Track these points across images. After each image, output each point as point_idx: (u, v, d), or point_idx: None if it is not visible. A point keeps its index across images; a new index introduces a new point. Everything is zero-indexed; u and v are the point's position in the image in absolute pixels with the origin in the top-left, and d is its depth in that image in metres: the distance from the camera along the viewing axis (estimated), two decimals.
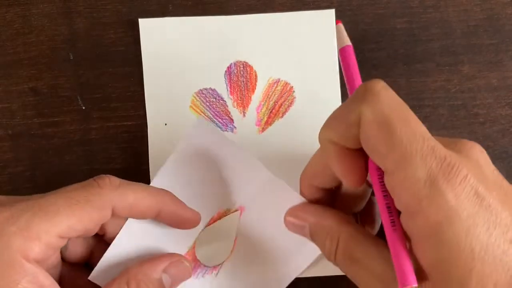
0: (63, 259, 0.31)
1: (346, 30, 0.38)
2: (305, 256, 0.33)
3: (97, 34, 0.38)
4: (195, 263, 0.34)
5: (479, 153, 0.26)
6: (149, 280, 0.30)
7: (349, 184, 0.28)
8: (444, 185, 0.24)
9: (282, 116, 0.38)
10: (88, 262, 0.33)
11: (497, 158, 0.37)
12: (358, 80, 0.30)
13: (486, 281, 0.24)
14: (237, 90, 0.38)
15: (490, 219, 0.24)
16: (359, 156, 0.27)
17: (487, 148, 0.37)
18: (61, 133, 0.38)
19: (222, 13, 0.38)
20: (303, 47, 0.38)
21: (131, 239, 0.32)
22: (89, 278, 0.31)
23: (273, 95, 0.38)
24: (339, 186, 0.31)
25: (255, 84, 0.38)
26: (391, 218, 0.26)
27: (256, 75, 0.38)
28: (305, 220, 0.31)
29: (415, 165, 0.24)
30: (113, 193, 0.29)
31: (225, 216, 0.34)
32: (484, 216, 0.24)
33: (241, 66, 0.38)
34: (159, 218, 0.32)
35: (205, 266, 0.34)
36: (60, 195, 0.28)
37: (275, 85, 0.38)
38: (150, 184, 0.33)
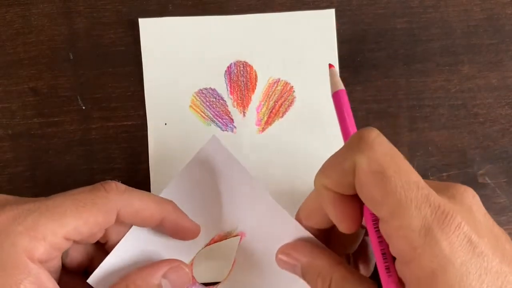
0: (63, 266, 0.31)
1: (346, 30, 0.38)
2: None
3: (97, 34, 0.38)
4: (192, 281, 0.34)
5: (471, 198, 0.27)
6: (147, 286, 0.30)
7: (343, 229, 0.28)
8: (439, 233, 0.24)
9: (282, 116, 0.38)
10: (88, 270, 0.33)
11: (497, 158, 0.37)
12: (352, 124, 0.30)
13: None
14: (237, 90, 0.38)
15: (482, 266, 0.25)
16: (354, 202, 0.27)
17: (487, 148, 0.37)
18: (61, 133, 0.38)
19: (222, 13, 0.38)
20: (303, 47, 0.38)
21: (133, 247, 0.32)
22: (88, 281, 0.31)
23: (273, 95, 0.38)
24: (333, 226, 0.31)
25: (255, 84, 0.38)
26: (386, 264, 0.27)
27: (256, 75, 0.38)
28: (297, 260, 0.31)
29: (410, 214, 0.25)
30: (119, 198, 0.29)
31: (225, 239, 0.34)
32: (477, 264, 0.25)
33: (241, 66, 0.38)
34: (161, 226, 0.32)
35: (200, 284, 0.34)
36: (67, 197, 0.28)
37: (275, 85, 0.38)
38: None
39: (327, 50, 0.38)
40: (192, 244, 0.34)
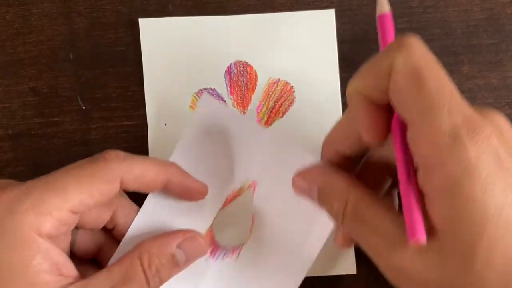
0: (71, 253, 0.31)
1: (346, 30, 0.38)
2: (322, 226, 0.33)
3: (97, 34, 0.38)
4: (214, 246, 0.34)
5: (503, 121, 0.26)
6: (162, 255, 0.30)
7: (369, 137, 0.27)
8: (467, 140, 0.24)
9: (282, 116, 0.38)
10: (96, 258, 0.33)
11: None
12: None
13: (497, 244, 0.23)
14: (237, 90, 0.38)
15: (508, 181, 0.24)
16: (384, 112, 0.27)
17: None
18: (61, 133, 0.38)
19: (222, 13, 0.38)
20: (303, 47, 0.38)
21: (148, 223, 0.32)
22: (109, 264, 0.31)
23: (273, 95, 0.38)
24: (359, 156, 0.31)
25: (255, 84, 0.38)
26: (407, 172, 0.26)
27: (256, 75, 0.38)
28: (313, 182, 0.30)
29: (440, 117, 0.24)
30: (120, 165, 0.29)
31: (239, 195, 0.35)
32: (503, 177, 0.24)
33: (241, 66, 0.38)
34: (167, 189, 0.32)
35: (224, 248, 0.34)
36: (69, 172, 0.28)
37: (275, 85, 0.38)
38: None
39: (327, 50, 0.38)
40: (208, 209, 0.34)
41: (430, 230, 0.25)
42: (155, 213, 0.33)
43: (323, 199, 0.30)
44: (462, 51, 0.38)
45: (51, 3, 0.39)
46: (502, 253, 0.23)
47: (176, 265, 0.31)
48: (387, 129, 0.27)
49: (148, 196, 0.33)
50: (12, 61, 0.38)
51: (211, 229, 0.34)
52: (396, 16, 0.38)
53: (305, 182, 0.31)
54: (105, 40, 0.38)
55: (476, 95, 0.38)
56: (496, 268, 0.23)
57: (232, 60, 0.38)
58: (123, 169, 0.29)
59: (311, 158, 0.32)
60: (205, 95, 0.34)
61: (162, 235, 0.31)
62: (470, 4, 0.39)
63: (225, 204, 0.35)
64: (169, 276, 0.30)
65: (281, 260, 0.34)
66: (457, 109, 0.24)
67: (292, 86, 0.38)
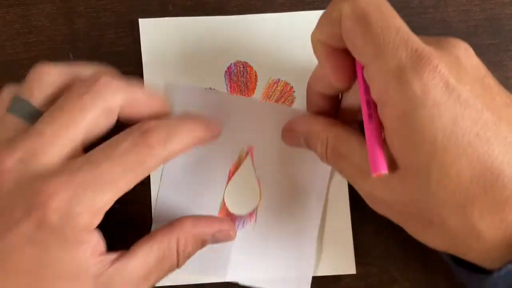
0: None
1: None
2: (322, 173, 0.36)
3: (97, 34, 0.38)
4: (231, 217, 0.36)
5: (462, 50, 0.27)
6: (195, 241, 0.32)
7: (338, 83, 0.30)
8: (412, 74, 0.25)
9: None
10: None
11: None
12: None
13: (448, 169, 0.25)
14: (237, 90, 0.38)
15: (458, 110, 0.25)
16: (347, 56, 0.29)
17: None
18: None
19: (222, 13, 0.38)
20: (303, 47, 0.38)
21: (165, 214, 0.35)
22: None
23: (273, 95, 0.38)
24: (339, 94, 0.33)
25: (255, 84, 0.38)
26: (369, 112, 0.28)
27: (256, 75, 0.38)
28: (297, 131, 0.33)
29: (386, 56, 0.26)
30: (163, 150, 0.29)
31: (239, 165, 0.36)
32: (452, 107, 0.25)
33: (241, 66, 0.38)
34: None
35: (241, 216, 0.36)
36: (114, 163, 0.28)
37: (275, 85, 0.38)
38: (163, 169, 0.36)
39: None
40: (216, 188, 0.36)
41: (392, 160, 0.27)
42: (169, 204, 0.36)
43: (309, 144, 0.33)
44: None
45: (51, 3, 0.39)
46: (453, 176, 0.25)
47: (202, 248, 0.33)
48: (352, 71, 0.29)
49: (159, 192, 0.36)
50: (12, 61, 0.38)
51: (223, 204, 0.36)
52: None
53: (292, 133, 0.34)
54: (105, 40, 0.38)
55: None
56: (449, 189, 0.25)
57: (232, 60, 0.38)
58: (165, 154, 0.29)
59: (297, 111, 0.35)
60: (170, 86, 0.36)
61: (200, 222, 0.32)
62: (470, 4, 0.39)
63: (229, 178, 0.36)
64: (194, 254, 0.32)
65: (295, 213, 0.36)
66: (403, 45, 0.26)
67: (292, 86, 0.38)
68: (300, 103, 0.38)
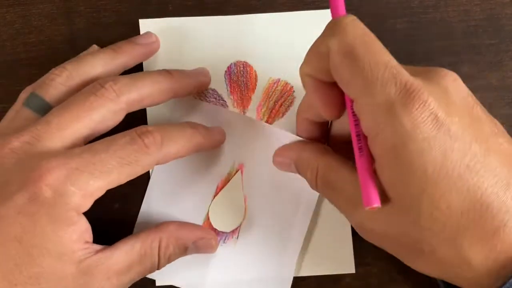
0: None
1: None
2: (309, 198, 0.36)
3: (97, 34, 0.38)
4: (214, 232, 0.36)
5: (450, 81, 0.28)
6: (177, 246, 0.33)
7: (327, 115, 0.30)
8: (401, 109, 0.26)
9: (282, 116, 0.38)
10: None
11: None
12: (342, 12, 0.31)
13: (438, 202, 0.26)
14: (237, 90, 0.38)
15: (448, 144, 0.25)
16: (335, 88, 0.29)
17: None
18: None
19: (222, 13, 0.38)
20: (303, 47, 0.38)
21: (150, 221, 0.36)
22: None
23: (273, 95, 0.38)
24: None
25: (255, 84, 0.38)
26: (359, 144, 0.28)
27: (256, 75, 0.38)
28: (289, 157, 0.34)
29: (375, 91, 0.26)
30: (158, 152, 0.31)
31: (228, 181, 0.36)
32: (442, 141, 0.25)
33: (241, 66, 0.38)
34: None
35: (223, 232, 0.36)
36: (112, 156, 0.30)
37: (275, 85, 0.38)
38: (152, 175, 0.37)
39: None
40: (201, 202, 0.36)
41: (382, 192, 0.27)
42: (154, 213, 0.36)
43: (299, 171, 0.33)
44: (462, 51, 0.38)
45: (51, 3, 0.39)
46: (444, 209, 0.26)
47: (184, 254, 0.34)
48: (341, 104, 0.30)
49: (145, 195, 0.36)
50: (12, 61, 0.38)
51: (207, 218, 0.36)
52: (396, 16, 0.39)
53: (283, 158, 0.34)
54: (105, 40, 0.38)
55: (476, 95, 0.38)
56: (440, 222, 0.26)
57: (232, 60, 0.38)
58: (160, 156, 0.31)
59: (289, 135, 0.35)
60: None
61: (184, 227, 0.34)
62: (470, 4, 0.39)
63: (216, 192, 0.36)
64: (176, 259, 0.33)
65: (278, 233, 0.36)
66: (391, 80, 0.26)
67: (292, 86, 0.38)
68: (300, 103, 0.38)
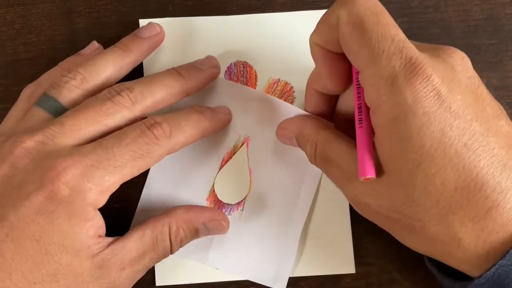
0: None
1: None
2: (313, 171, 0.36)
3: (97, 34, 0.38)
4: (219, 204, 0.37)
5: (458, 59, 0.28)
6: (188, 228, 0.33)
7: (333, 86, 0.31)
8: (404, 83, 0.26)
9: None
10: None
11: None
12: None
13: (432, 177, 0.26)
14: None
15: (447, 120, 0.26)
16: (343, 60, 0.29)
17: None
18: None
19: (222, 13, 0.38)
20: (303, 47, 0.38)
21: (155, 194, 0.36)
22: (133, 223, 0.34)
23: (273, 94, 0.38)
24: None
25: (255, 84, 0.38)
26: (360, 116, 0.29)
27: (256, 75, 0.38)
28: (290, 131, 0.34)
29: (380, 63, 0.26)
30: (168, 142, 0.32)
31: (234, 154, 0.37)
32: (442, 117, 0.26)
33: (241, 66, 0.38)
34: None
35: (229, 205, 0.36)
36: (124, 150, 0.30)
37: (275, 85, 0.38)
38: None
39: None
40: (207, 174, 0.37)
41: (379, 165, 0.27)
42: (159, 183, 0.36)
43: (300, 144, 0.33)
44: (462, 51, 0.38)
45: (51, 3, 0.39)
46: (437, 185, 0.26)
47: (196, 237, 0.34)
48: (348, 76, 0.30)
49: (150, 169, 0.36)
50: (12, 61, 0.38)
51: (213, 190, 0.37)
52: (396, 16, 0.38)
53: (285, 132, 0.34)
54: (105, 40, 0.38)
55: None
56: (433, 197, 0.26)
57: (232, 60, 0.38)
58: (170, 146, 0.32)
59: (295, 109, 0.35)
60: None
61: (192, 209, 0.34)
62: (470, 4, 0.39)
63: (222, 165, 0.37)
64: (188, 242, 0.34)
65: (283, 205, 0.36)
66: (397, 53, 0.26)
67: (292, 86, 0.38)
68: (300, 103, 0.38)
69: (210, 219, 0.34)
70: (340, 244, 0.36)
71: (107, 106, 0.31)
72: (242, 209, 0.37)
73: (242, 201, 0.37)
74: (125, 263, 0.31)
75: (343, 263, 0.36)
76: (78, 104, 0.32)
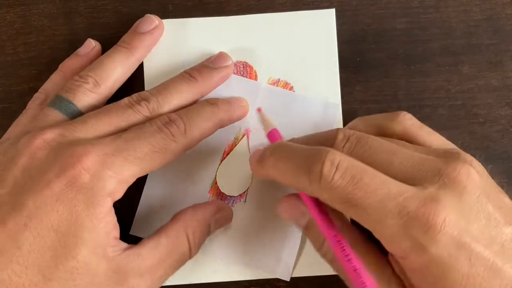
0: None
1: (346, 30, 0.38)
2: None
3: (97, 34, 0.38)
4: (222, 197, 0.37)
5: (465, 178, 0.27)
6: (202, 227, 0.33)
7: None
8: (424, 242, 0.26)
9: None
10: None
11: (497, 158, 0.37)
12: None
13: None
14: None
15: (469, 256, 0.26)
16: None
17: (487, 148, 0.37)
18: None
19: (222, 13, 0.38)
20: (303, 47, 0.38)
21: (157, 189, 0.36)
22: (131, 232, 0.33)
23: None
24: None
25: None
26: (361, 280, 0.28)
27: (256, 75, 0.38)
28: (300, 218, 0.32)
29: (387, 224, 0.26)
30: (184, 139, 0.32)
31: (234, 146, 0.37)
32: (463, 255, 0.26)
33: (241, 66, 0.38)
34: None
35: (231, 197, 0.37)
36: (144, 143, 0.31)
37: (275, 85, 0.38)
38: None
39: (327, 50, 0.38)
40: (208, 167, 0.37)
41: None
42: (160, 178, 0.37)
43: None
44: (462, 51, 0.38)
45: (51, 3, 0.39)
46: None
47: (209, 234, 0.34)
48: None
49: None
50: (12, 61, 0.38)
51: (215, 183, 0.37)
52: (396, 16, 0.39)
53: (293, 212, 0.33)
54: (105, 40, 0.38)
55: (476, 95, 0.38)
56: None
57: (232, 60, 0.38)
58: (187, 142, 0.32)
59: (297, 95, 0.35)
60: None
61: (198, 208, 0.34)
62: (470, 4, 0.39)
63: (223, 158, 0.37)
64: (203, 242, 0.34)
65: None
66: (398, 211, 0.26)
67: (292, 86, 0.38)
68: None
69: (215, 211, 0.34)
70: None
71: (128, 113, 0.32)
72: (245, 201, 0.37)
73: (244, 192, 0.37)
74: (142, 271, 0.31)
75: None
76: (92, 107, 0.34)
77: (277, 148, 0.31)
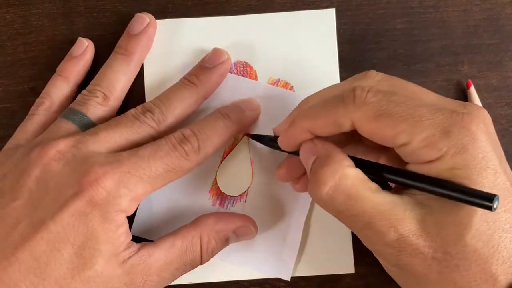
0: None
1: (346, 30, 0.38)
2: None
3: (97, 34, 0.38)
4: (222, 196, 0.37)
5: (474, 127, 0.28)
6: (219, 239, 0.34)
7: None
8: (457, 131, 0.27)
9: None
10: None
11: None
12: None
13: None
14: None
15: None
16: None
17: None
18: None
19: (222, 13, 0.38)
20: (303, 47, 0.38)
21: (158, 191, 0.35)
22: (131, 232, 0.33)
23: None
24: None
25: None
26: None
27: (256, 75, 0.38)
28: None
29: (425, 126, 0.27)
30: (197, 157, 0.32)
31: (235, 146, 0.37)
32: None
33: (241, 66, 0.38)
34: None
35: (231, 197, 0.37)
36: (159, 162, 0.31)
37: (275, 85, 0.38)
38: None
39: (327, 50, 0.38)
40: (209, 168, 0.37)
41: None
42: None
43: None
44: (462, 51, 0.38)
45: (51, 3, 0.39)
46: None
47: (226, 245, 0.35)
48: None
49: None
50: (12, 61, 0.38)
51: (215, 183, 0.37)
52: (396, 16, 0.39)
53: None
54: (105, 41, 0.38)
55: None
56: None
57: (232, 60, 0.38)
58: (199, 160, 0.33)
59: (296, 94, 0.35)
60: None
61: (222, 218, 0.34)
62: (470, 4, 0.39)
63: (223, 158, 0.37)
64: (218, 252, 0.34)
65: (285, 196, 0.36)
66: (436, 111, 0.27)
67: (292, 86, 0.38)
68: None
69: (239, 226, 0.35)
70: (340, 244, 0.37)
71: (136, 125, 0.33)
72: (245, 201, 0.37)
73: (244, 192, 0.37)
74: (151, 271, 0.31)
75: (343, 263, 0.36)
76: (104, 119, 0.34)
77: (302, 102, 0.32)
